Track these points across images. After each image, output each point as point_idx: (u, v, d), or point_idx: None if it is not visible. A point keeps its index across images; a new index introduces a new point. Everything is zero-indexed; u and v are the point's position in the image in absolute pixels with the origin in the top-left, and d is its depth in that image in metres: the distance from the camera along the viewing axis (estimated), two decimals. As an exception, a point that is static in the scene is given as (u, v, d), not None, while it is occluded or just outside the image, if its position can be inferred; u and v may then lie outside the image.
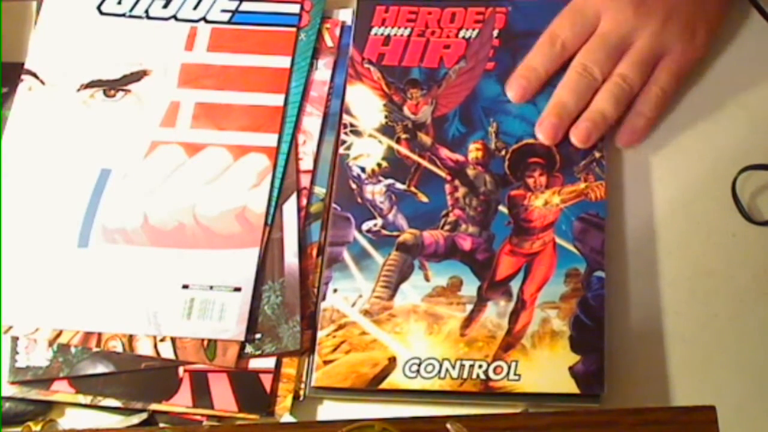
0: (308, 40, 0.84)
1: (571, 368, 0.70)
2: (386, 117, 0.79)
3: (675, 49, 0.79)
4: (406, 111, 0.79)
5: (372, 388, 0.70)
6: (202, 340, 0.73)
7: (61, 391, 0.72)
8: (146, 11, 0.85)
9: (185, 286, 0.74)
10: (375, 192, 0.77)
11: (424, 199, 0.76)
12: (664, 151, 0.79)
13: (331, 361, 0.71)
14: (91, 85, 0.82)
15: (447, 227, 0.75)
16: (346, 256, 0.75)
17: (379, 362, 0.71)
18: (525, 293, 0.73)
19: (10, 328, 0.73)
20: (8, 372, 0.72)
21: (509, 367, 0.70)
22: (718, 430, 0.61)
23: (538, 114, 0.79)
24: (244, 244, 0.76)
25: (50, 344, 0.73)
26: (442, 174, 0.77)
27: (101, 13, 0.85)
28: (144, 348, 0.73)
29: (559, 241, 0.74)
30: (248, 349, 0.73)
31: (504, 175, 0.77)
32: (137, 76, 0.82)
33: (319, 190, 0.78)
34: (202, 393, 0.72)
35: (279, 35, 0.84)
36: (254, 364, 0.73)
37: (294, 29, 0.84)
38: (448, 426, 0.61)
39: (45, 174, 0.79)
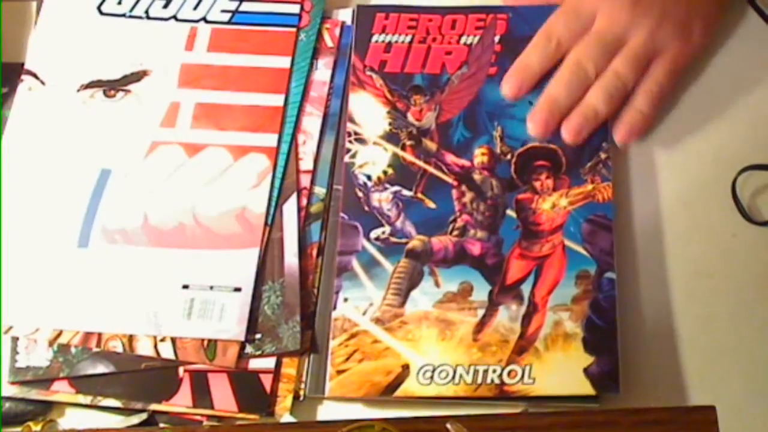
0: (308, 40, 0.84)
1: (585, 370, 0.70)
2: (390, 124, 0.79)
3: (671, 47, 0.79)
4: (410, 117, 0.79)
5: (386, 398, 0.70)
6: (202, 340, 0.73)
7: (61, 391, 0.72)
8: (146, 11, 0.84)
9: (185, 286, 0.74)
10: (382, 199, 0.76)
11: (432, 205, 0.76)
12: (663, 151, 0.79)
13: (344, 371, 0.71)
14: (91, 85, 0.82)
15: (455, 233, 0.75)
16: (356, 264, 0.74)
17: (392, 370, 0.70)
18: (536, 296, 0.73)
19: (10, 328, 0.73)
20: (8, 372, 0.72)
21: (523, 371, 0.70)
22: (718, 430, 0.61)
23: None
24: (244, 244, 0.76)
25: (50, 344, 0.73)
26: (449, 180, 0.77)
27: (101, 13, 0.85)
28: (144, 348, 0.73)
29: (568, 243, 0.74)
30: (248, 349, 0.73)
31: (510, 179, 0.77)
32: (137, 76, 0.82)
33: (319, 190, 0.78)
34: (202, 393, 0.72)
35: (279, 35, 0.84)
36: (254, 364, 0.73)
37: (294, 29, 0.84)
38: (448, 426, 0.61)
39: (45, 174, 0.79)
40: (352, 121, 0.79)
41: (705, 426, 0.62)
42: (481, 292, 0.73)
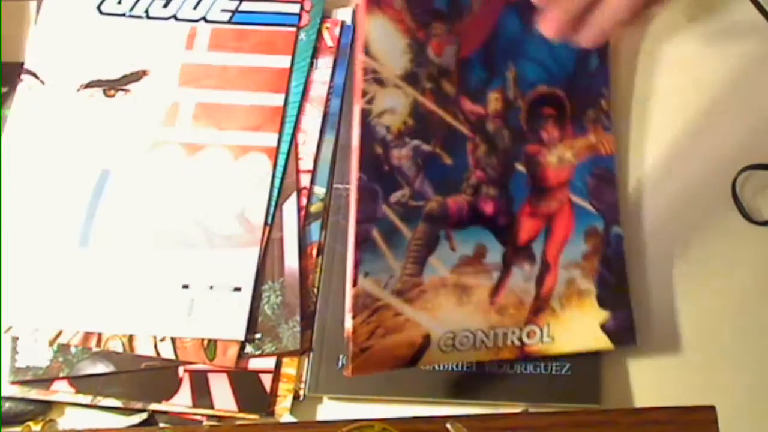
0: (308, 39, 0.83)
1: (602, 326, 0.70)
2: (411, 61, 0.69)
3: None
4: (430, 52, 0.69)
5: (411, 365, 0.69)
6: (202, 340, 0.73)
7: (61, 391, 0.72)
8: (146, 11, 0.84)
9: (185, 286, 0.74)
10: (402, 156, 0.69)
11: (449, 160, 0.70)
12: (664, 151, 0.79)
13: (367, 348, 0.68)
14: (91, 85, 0.82)
15: (469, 191, 0.71)
16: (375, 234, 0.68)
17: (414, 341, 0.69)
18: (548, 255, 0.72)
19: (10, 327, 0.73)
20: (8, 372, 0.72)
21: (542, 331, 0.70)
22: (718, 430, 0.61)
23: (554, 58, 0.74)
24: (244, 244, 0.76)
25: (50, 344, 0.73)
26: (465, 131, 0.71)
27: (101, 13, 0.85)
28: (144, 348, 0.73)
29: (575, 199, 0.73)
30: (248, 348, 0.73)
31: (521, 129, 0.73)
32: (137, 76, 0.82)
33: (319, 190, 0.78)
34: (202, 393, 0.72)
35: (279, 35, 0.84)
36: (254, 364, 0.73)
37: (294, 29, 0.84)
38: (448, 426, 0.61)
39: (45, 174, 0.79)
40: (368, 54, 0.68)
41: (705, 426, 0.62)
42: (495, 253, 0.71)
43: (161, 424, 0.71)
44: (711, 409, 0.62)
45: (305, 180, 0.78)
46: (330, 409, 0.72)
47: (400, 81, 0.69)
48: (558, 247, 0.72)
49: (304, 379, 0.72)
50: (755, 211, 0.77)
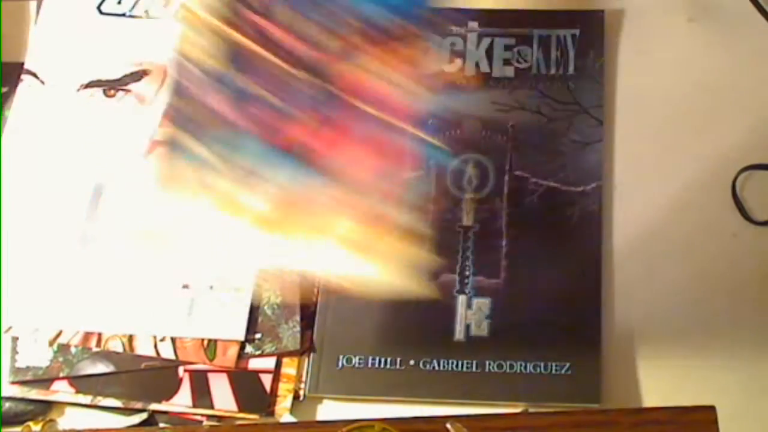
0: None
1: None
2: None
3: None
4: None
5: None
6: (202, 340, 0.73)
7: (61, 391, 0.72)
8: (146, 11, 0.84)
9: (185, 286, 0.74)
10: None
11: None
12: (664, 151, 0.79)
13: None
14: (91, 85, 0.82)
15: None
16: None
17: None
18: None
19: (10, 328, 0.73)
20: (9, 372, 0.72)
21: None
22: (718, 430, 0.61)
23: None
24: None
25: (50, 344, 0.73)
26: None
27: (101, 12, 0.85)
28: (144, 348, 0.73)
29: None
30: (248, 349, 0.73)
31: None
32: (137, 76, 0.82)
33: (319, 190, 0.78)
34: (202, 393, 0.72)
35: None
36: (254, 364, 0.73)
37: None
38: (448, 426, 0.61)
39: (45, 174, 0.79)
40: None
41: (705, 426, 0.62)
42: None
43: (161, 424, 0.71)
44: (711, 409, 0.62)
45: (305, 180, 0.78)
46: (330, 409, 0.72)
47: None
48: None
49: (304, 379, 0.72)
50: (755, 211, 0.77)
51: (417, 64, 0.67)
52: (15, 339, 0.73)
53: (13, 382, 0.72)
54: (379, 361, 0.72)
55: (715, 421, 0.62)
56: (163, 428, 0.70)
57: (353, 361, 0.72)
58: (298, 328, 0.73)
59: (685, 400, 0.68)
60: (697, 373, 0.72)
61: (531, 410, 0.69)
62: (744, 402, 0.71)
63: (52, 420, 0.69)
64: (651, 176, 0.79)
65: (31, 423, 0.68)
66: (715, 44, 0.83)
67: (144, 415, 0.71)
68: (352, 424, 0.62)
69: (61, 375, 0.72)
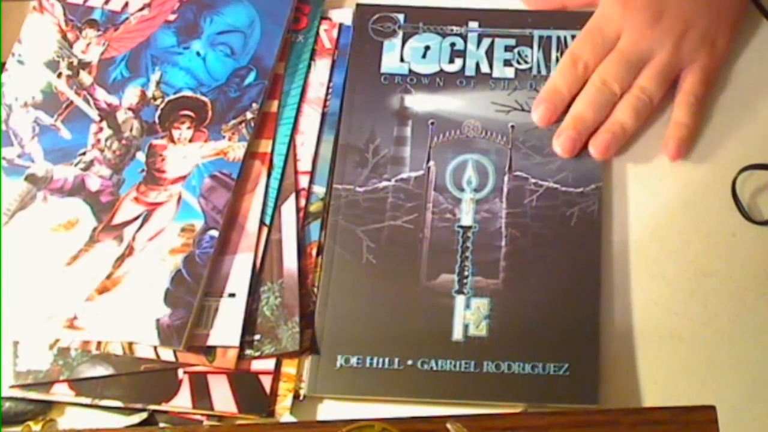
0: (306, 42, 0.84)
1: (158, 320, 0.71)
2: (55, 52, 0.82)
3: (698, 58, 0.79)
4: (76, 49, 0.82)
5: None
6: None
7: (60, 394, 0.72)
8: (145, 13, 0.85)
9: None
10: (20, 121, 0.79)
11: (67, 135, 0.78)
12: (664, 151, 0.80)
13: None
14: (91, 86, 0.82)
15: (81, 165, 0.77)
16: None
17: None
18: (137, 240, 0.74)
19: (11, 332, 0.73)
20: (9, 375, 0.72)
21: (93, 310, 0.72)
22: (718, 430, 0.61)
23: (207, 70, 0.81)
24: (239, 250, 0.76)
25: (50, 348, 0.73)
26: (92, 114, 0.79)
27: (100, 13, 0.85)
28: (143, 350, 0.72)
29: (185, 195, 0.76)
30: (247, 350, 0.72)
31: (153, 123, 0.79)
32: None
33: (319, 190, 0.78)
34: (201, 395, 0.71)
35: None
36: (254, 365, 0.72)
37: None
38: (448, 426, 0.61)
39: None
40: (19, 41, 0.82)
41: (705, 426, 0.62)
42: (86, 227, 0.75)
43: (161, 424, 0.71)
44: (711, 409, 0.62)
45: (303, 181, 0.78)
46: (330, 409, 0.72)
47: (41, 65, 0.82)
48: (150, 236, 0.74)
49: (303, 379, 0.72)
50: (755, 211, 0.77)
51: None
52: (16, 343, 0.73)
53: (13, 386, 0.72)
54: (378, 361, 0.72)
55: (715, 421, 0.61)
56: (163, 428, 0.70)
57: (351, 361, 0.72)
58: (297, 329, 0.73)
59: (685, 400, 0.68)
60: (697, 373, 0.72)
61: (531, 410, 0.69)
62: (744, 402, 0.71)
63: (52, 420, 0.69)
64: (651, 176, 0.79)
65: (31, 423, 0.68)
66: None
67: (144, 415, 0.71)
68: (352, 424, 0.62)
69: (61, 378, 0.72)
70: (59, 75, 0.81)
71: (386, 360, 0.72)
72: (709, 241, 0.76)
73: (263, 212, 0.77)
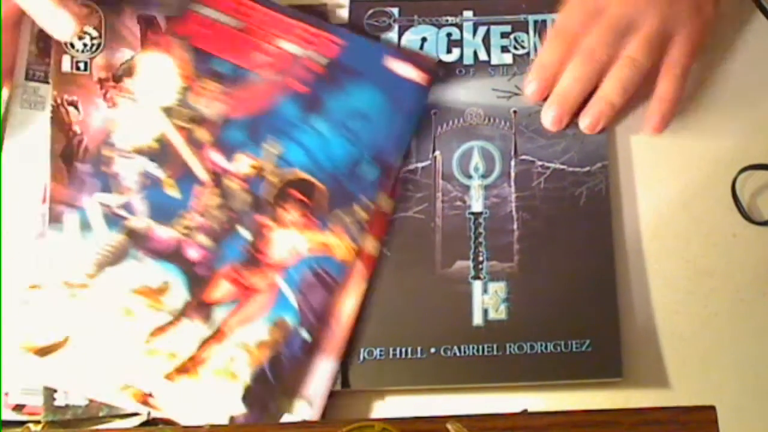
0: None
1: (232, 418, 0.69)
2: (176, 101, 0.76)
3: (685, 26, 0.79)
4: (199, 102, 0.76)
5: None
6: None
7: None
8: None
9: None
10: (128, 167, 0.74)
11: (174, 192, 0.74)
12: (664, 151, 0.79)
13: None
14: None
15: (181, 228, 0.73)
16: (69, 219, 0.72)
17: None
18: (226, 324, 0.71)
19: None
20: (45, 410, 0.70)
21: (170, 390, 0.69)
22: (718, 430, 0.61)
23: (327, 153, 0.76)
24: (324, 355, 0.73)
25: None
26: (202, 176, 0.74)
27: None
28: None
29: (283, 286, 0.72)
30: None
31: (260, 198, 0.74)
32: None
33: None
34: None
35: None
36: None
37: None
38: (448, 426, 0.61)
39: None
40: (130, 75, 0.77)
41: (705, 426, 0.61)
42: (177, 298, 0.71)
43: (161, 425, 0.71)
44: (711, 409, 0.62)
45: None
46: (330, 409, 0.72)
47: (159, 111, 0.76)
48: (240, 322, 0.71)
49: (304, 379, 0.72)
50: (755, 211, 0.77)
51: None
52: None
53: (50, 422, 0.69)
54: (401, 351, 0.72)
55: (715, 421, 0.61)
56: (162, 428, 0.70)
57: (374, 353, 0.73)
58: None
59: (685, 400, 0.68)
60: (697, 373, 0.72)
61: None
62: (744, 402, 0.71)
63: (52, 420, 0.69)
64: (651, 176, 0.79)
65: (30, 423, 0.68)
66: (716, 43, 0.82)
67: (144, 416, 0.71)
68: (352, 424, 0.62)
69: (101, 414, 0.69)
70: (177, 127, 0.75)
71: (409, 349, 0.72)
72: (709, 241, 0.76)
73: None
